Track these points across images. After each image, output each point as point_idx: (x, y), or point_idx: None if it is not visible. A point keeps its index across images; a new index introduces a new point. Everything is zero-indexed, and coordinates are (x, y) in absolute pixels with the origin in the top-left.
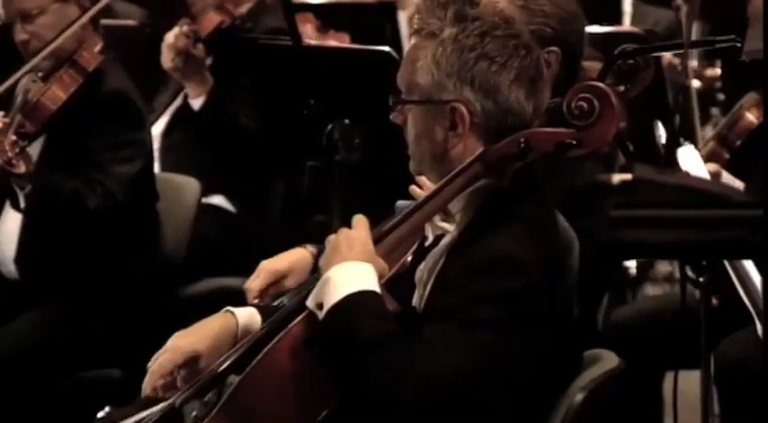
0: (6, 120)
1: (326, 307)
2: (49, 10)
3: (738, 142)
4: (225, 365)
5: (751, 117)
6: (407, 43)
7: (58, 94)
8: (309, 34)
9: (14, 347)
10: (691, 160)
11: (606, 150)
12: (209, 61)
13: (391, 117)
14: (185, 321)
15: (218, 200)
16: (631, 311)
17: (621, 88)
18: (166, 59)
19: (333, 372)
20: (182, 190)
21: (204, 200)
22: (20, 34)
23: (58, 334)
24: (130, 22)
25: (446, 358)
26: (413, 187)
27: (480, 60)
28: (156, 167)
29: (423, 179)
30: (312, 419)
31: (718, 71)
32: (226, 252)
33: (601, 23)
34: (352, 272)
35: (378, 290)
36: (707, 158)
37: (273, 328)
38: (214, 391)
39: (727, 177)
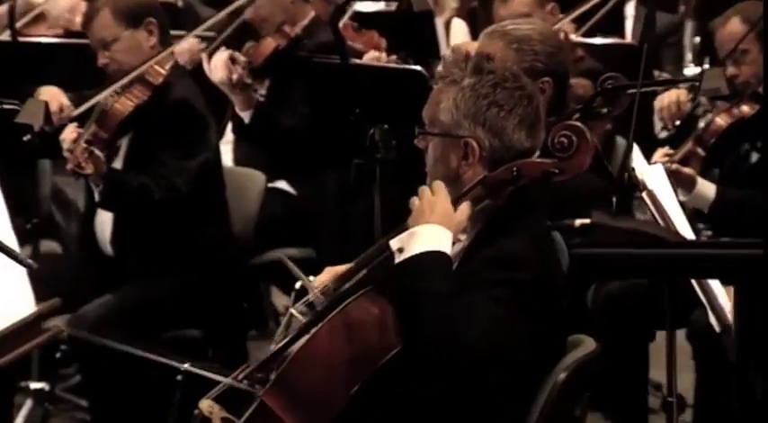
0: (80, 130)
1: (408, 253)
2: (122, 37)
3: (712, 141)
4: (282, 343)
5: (721, 121)
6: (444, 47)
7: (126, 105)
8: (349, 36)
9: (111, 313)
10: (657, 180)
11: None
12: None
13: (415, 142)
14: (255, 287)
15: (281, 184)
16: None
17: (605, 110)
18: (217, 76)
19: (399, 316)
20: (248, 181)
21: (270, 184)
22: (101, 59)
23: (147, 300)
24: (210, 34)
25: (487, 322)
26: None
27: (492, 107)
28: (231, 159)
29: None
30: (346, 393)
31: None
32: (288, 227)
33: (605, 28)
34: (435, 233)
35: (450, 253)
36: (686, 156)
37: (320, 315)
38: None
39: (701, 183)
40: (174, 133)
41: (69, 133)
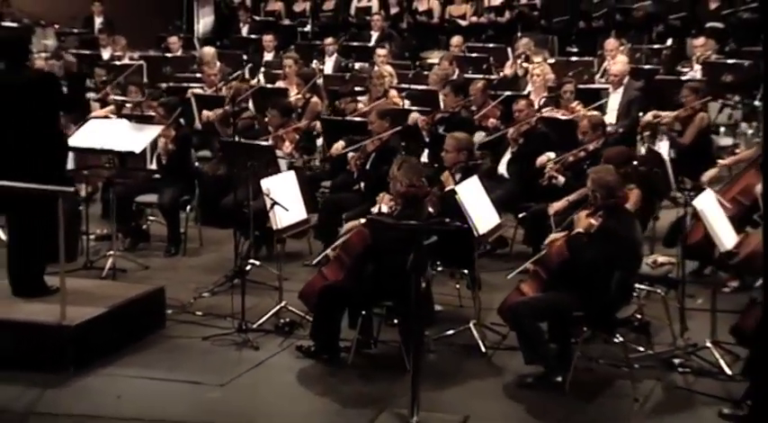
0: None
1: (375, 211)
2: (377, 122)
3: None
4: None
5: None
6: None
7: (372, 147)
8: (494, 121)
9: (360, 210)
10: (471, 189)
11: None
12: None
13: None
14: None
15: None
16: None
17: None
18: (412, 122)
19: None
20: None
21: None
22: (370, 126)
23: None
24: (413, 110)
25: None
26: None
27: (408, 173)
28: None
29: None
30: (360, 252)
31: None
32: None
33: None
34: (382, 207)
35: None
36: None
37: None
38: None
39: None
40: (389, 157)
41: (351, 157)
